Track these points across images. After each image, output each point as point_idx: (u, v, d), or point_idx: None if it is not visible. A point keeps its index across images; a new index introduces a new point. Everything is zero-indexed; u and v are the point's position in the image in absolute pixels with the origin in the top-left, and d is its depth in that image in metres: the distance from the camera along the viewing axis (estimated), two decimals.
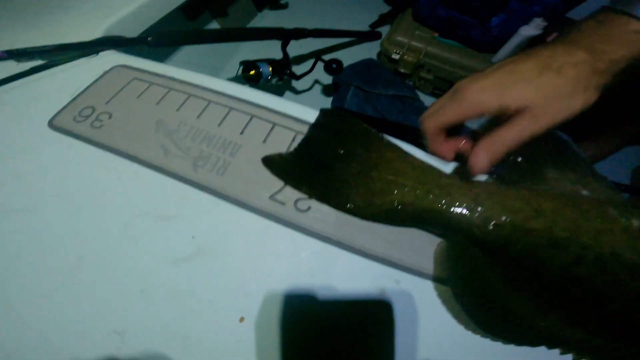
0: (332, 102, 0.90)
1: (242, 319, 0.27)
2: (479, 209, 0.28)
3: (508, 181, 0.31)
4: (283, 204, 0.31)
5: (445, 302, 0.28)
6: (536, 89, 0.25)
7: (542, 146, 0.31)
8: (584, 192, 0.30)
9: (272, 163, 0.33)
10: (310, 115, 0.36)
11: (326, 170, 0.32)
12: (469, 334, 0.27)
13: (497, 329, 0.26)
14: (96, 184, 0.33)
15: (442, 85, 0.96)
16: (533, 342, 0.26)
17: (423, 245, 0.30)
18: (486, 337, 0.27)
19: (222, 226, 0.30)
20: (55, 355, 0.25)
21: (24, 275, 0.28)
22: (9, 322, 0.26)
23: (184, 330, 0.26)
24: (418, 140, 0.70)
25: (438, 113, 0.28)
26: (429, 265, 0.29)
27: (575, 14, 0.88)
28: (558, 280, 0.26)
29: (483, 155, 0.26)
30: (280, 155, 0.33)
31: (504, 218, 0.27)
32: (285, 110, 0.37)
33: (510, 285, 0.27)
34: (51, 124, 0.37)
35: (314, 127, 0.35)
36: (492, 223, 0.27)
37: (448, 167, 0.33)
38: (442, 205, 0.28)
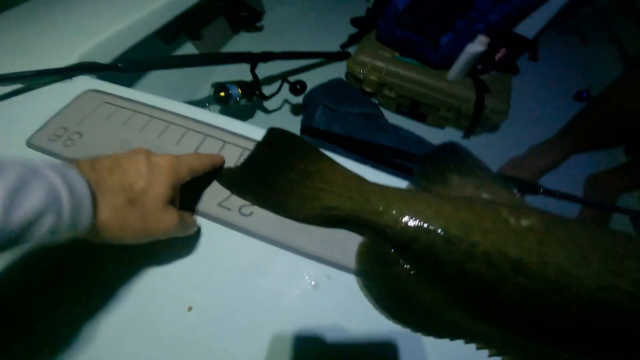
0: (302, 121, 0.95)
1: (190, 308, 0.31)
2: (390, 211, 0.32)
3: (421, 187, 0.36)
4: (229, 209, 0.36)
5: (366, 294, 0.32)
6: None
7: (446, 156, 0.37)
8: (485, 195, 0.35)
9: (220, 175, 0.38)
10: (258, 133, 0.42)
11: (267, 180, 0.37)
12: (390, 323, 0.31)
13: (407, 319, 0.31)
14: None
15: (404, 102, 1.03)
16: (440, 333, 0.30)
17: (351, 244, 0.35)
18: (404, 327, 0.30)
19: None
20: None
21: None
22: None
23: (138, 319, 0.30)
24: (380, 154, 0.75)
25: None
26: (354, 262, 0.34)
27: (520, 29, 0.97)
28: (454, 274, 0.30)
29: None
30: (228, 169, 0.38)
31: (409, 219, 0.32)
32: (235, 130, 0.42)
33: (418, 279, 0.32)
34: (29, 143, 0.40)
35: (261, 144, 0.40)
36: (400, 223, 0.32)
37: (373, 176, 0.38)
38: (360, 208, 0.33)
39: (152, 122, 0.42)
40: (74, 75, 0.50)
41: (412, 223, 0.32)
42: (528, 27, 0.97)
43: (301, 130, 0.83)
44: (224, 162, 0.38)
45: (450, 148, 0.37)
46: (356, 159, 0.40)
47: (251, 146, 0.40)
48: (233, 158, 0.39)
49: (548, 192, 0.57)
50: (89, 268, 0.32)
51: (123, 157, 0.27)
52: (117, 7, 0.65)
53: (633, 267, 0.28)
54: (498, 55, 0.90)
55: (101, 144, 0.40)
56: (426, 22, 0.86)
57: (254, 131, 0.42)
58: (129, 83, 0.49)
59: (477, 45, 0.81)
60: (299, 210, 0.35)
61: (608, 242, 0.29)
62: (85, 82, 0.49)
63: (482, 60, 0.90)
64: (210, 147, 0.40)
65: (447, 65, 0.90)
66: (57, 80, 0.49)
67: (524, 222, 0.30)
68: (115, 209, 0.23)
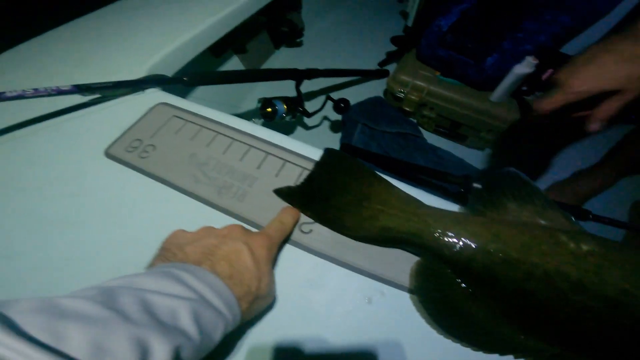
0: (341, 139, 0.97)
1: None
2: (448, 233, 0.34)
3: (474, 211, 0.37)
4: None
5: (420, 310, 0.34)
6: (624, 76, 0.42)
7: (503, 183, 0.37)
8: (542, 222, 0.35)
9: (283, 193, 0.40)
10: (315, 153, 0.44)
11: (326, 200, 0.39)
12: (441, 338, 0.32)
13: (460, 334, 0.32)
14: (139, 204, 0.40)
15: (443, 123, 1.02)
16: (491, 348, 0.31)
17: (405, 263, 0.36)
18: (456, 342, 0.32)
19: None
20: None
21: (72, 276, 0.35)
22: None
23: None
24: (416, 175, 0.76)
25: (551, 100, 0.46)
26: (407, 280, 0.35)
27: (567, 50, 0.95)
28: (512, 293, 0.31)
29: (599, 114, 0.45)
30: (289, 187, 0.40)
31: (467, 241, 0.33)
32: (294, 149, 0.44)
33: (473, 297, 0.33)
34: (107, 153, 0.44)
35: (318, 164, 0.42)
36: (458, 245, 0.33)
37: (427, 199, 0.39)
38: (419, 230, 0.35)
39: (217, 137, 0.45)
40: (146, 88, 0.53)
41: (470, 245, 0.33)
42: (574, 46, 0.95)
43: (340, 148, 0.85)
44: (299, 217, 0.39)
45: (507, 174, 0.37)
46: (393, 179, 0.41)
47: (309, 166, 0.42)
48: (293, 177, 0.42)
49: (598, 218, 0.56)
50: None
51: (231, 253, 0.30)
52: (179, 22, 0.69)
53: None
54: (545, 76, 0.89)
55: (172, 157, 0.44)
56: (471, 43, 0.85)
57: (311, 150, 0.45)
58: (182, 94, 0.53)
59: (525, 67, 0.79)
60: (357, 229, 0.37)
61: None
62: (155, 95, 0.53)
63: (528, 81, 0.88)
64: (271, 165, 0.43)
65: (491, 86, 0.89)
66: (131, 92, 0.53)
67: (584, 247, 0.31)
68: (245, 311, 0.28)
